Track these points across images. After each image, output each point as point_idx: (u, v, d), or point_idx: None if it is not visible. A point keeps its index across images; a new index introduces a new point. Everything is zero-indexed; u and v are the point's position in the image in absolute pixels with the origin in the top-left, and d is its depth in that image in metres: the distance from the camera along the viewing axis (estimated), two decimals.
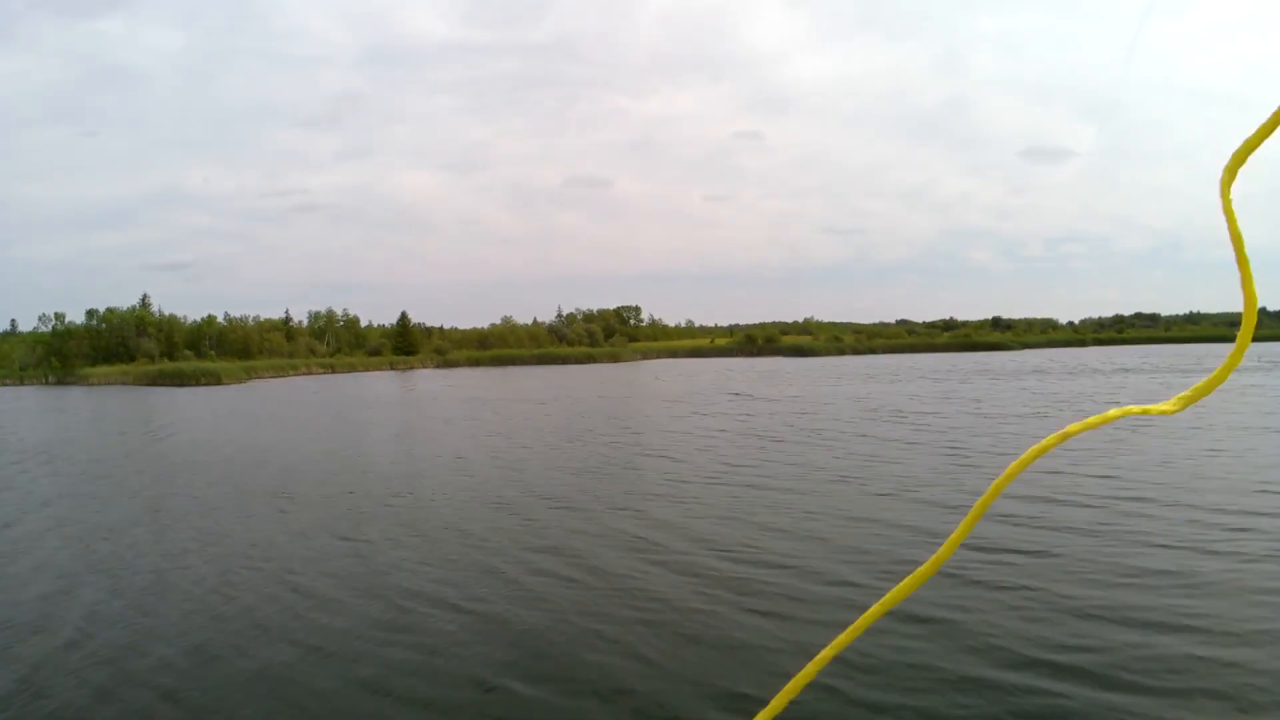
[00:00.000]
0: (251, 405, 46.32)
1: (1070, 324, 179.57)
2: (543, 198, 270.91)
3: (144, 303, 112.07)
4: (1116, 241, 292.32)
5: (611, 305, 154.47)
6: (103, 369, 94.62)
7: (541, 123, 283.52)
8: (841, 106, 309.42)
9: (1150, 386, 37.20)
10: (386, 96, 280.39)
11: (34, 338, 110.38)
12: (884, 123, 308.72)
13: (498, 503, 15.55)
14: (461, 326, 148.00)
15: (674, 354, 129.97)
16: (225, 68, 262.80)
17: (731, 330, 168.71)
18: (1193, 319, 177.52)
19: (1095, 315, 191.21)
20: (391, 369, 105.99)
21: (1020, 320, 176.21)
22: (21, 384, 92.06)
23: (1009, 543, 11.07)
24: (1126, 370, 53.84)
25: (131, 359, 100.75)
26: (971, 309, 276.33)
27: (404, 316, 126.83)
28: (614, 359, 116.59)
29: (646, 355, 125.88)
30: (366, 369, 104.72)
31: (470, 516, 14.69)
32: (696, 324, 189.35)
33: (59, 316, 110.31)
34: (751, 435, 25.14)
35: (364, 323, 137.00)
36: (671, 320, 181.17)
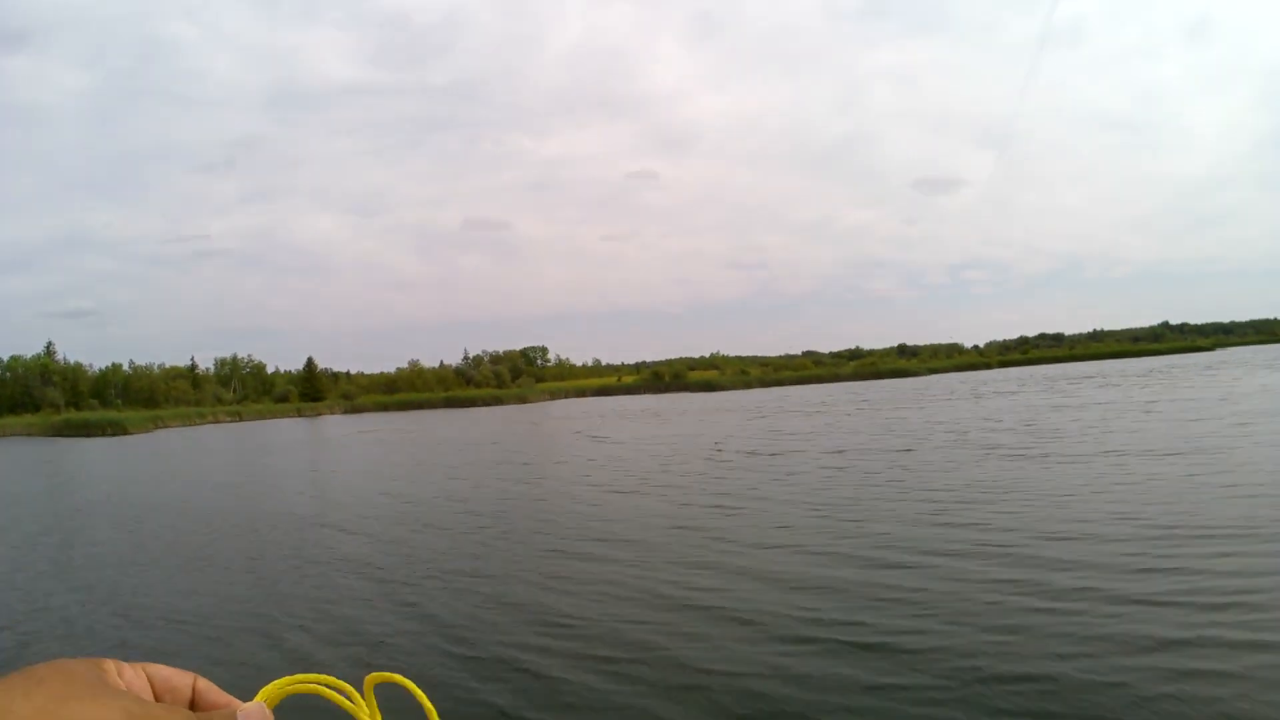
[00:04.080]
0: (173, 458, 45.42)
1: (975, 347, 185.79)
2: (445, 240, 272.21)
3: (49, 351, 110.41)
4: (1017, 265, 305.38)
5: (518, 346, 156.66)
6: (8, 420, 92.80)
7: (443, 165, 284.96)
8: (741, 143, 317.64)
9: (1013, 408, 32.05)
10: (289, 139, 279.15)
11: None
12: (783, 158, 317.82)
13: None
14: (368, 371, 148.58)
15: (581, 393, 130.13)
16: (130, 108, 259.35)
17: (639, 367, 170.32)
18: (1096, 336, 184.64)
19: (1000, 338, 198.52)
20: (299, 415, 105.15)
21: (925, 346, 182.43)
22: None
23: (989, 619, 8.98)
24: (1000, 393, 53.65)
25: (36, 409, 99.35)
26: (877, 338, 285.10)
27: (310, 362, 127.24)
28: (522, 400, 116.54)
29: (554, 395, 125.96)
30: (275, 416, 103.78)
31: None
32: (604, 362, 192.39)
33: None
34: (561, 482, 24.16)
35: (270, 369, 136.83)
36: (578, 359, 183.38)
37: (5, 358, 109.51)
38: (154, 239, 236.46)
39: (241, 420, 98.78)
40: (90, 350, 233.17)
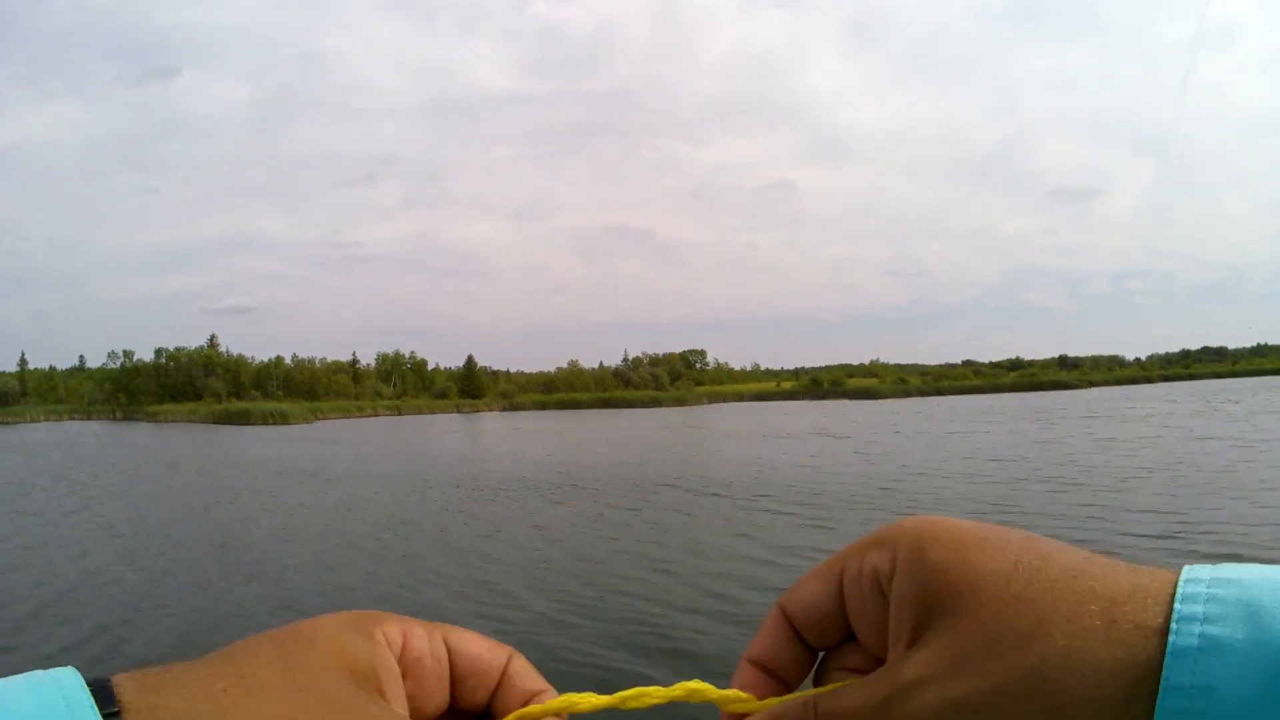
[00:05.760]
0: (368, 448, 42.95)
1: (1137, 360, 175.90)
2: (604, 245, 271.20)
3: (212, 343, 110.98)
4: (1179, 276, 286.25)
5: (676, 349, 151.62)
6: (170, 406, 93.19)
7: (602, 171, 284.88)
8: (898, 152, 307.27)
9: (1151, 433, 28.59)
10: (449, 147, 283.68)
11: (102, 374, 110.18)
12: (941, 166, 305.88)
13: None
14: (527, 370, 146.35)
15: (740, 397, 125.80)
16: (291, 119, 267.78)
17: (797, 373, 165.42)
18: (1260, 351, 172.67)
19: (1161, 351, 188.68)
20: (458, 411, 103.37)
21: (1086, 358, 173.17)
22: (89, 418, 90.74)
23: None
24: (1146, 414, 43.49)
25: (199, 398, 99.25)
26: (1036, 348, 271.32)
27: (470, 360, 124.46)
28: (679, 403, 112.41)
29: (712, 399, 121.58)
30: (433, 411, 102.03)
31: None
32: (762, 367, 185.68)
33: (127, 354, 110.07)
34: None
35: (430, 365, 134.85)
36: (736, 364, 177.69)
37: (169, 348, 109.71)
38: (314, 243, 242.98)
39: (401, 415, 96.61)
40: (249, 345, 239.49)
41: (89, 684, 0.39)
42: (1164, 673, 0.37)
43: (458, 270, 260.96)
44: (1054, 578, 0.43)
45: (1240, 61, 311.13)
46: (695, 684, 0.52)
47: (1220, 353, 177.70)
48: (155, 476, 26.36)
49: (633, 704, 0.51)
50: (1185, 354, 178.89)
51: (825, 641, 0.53)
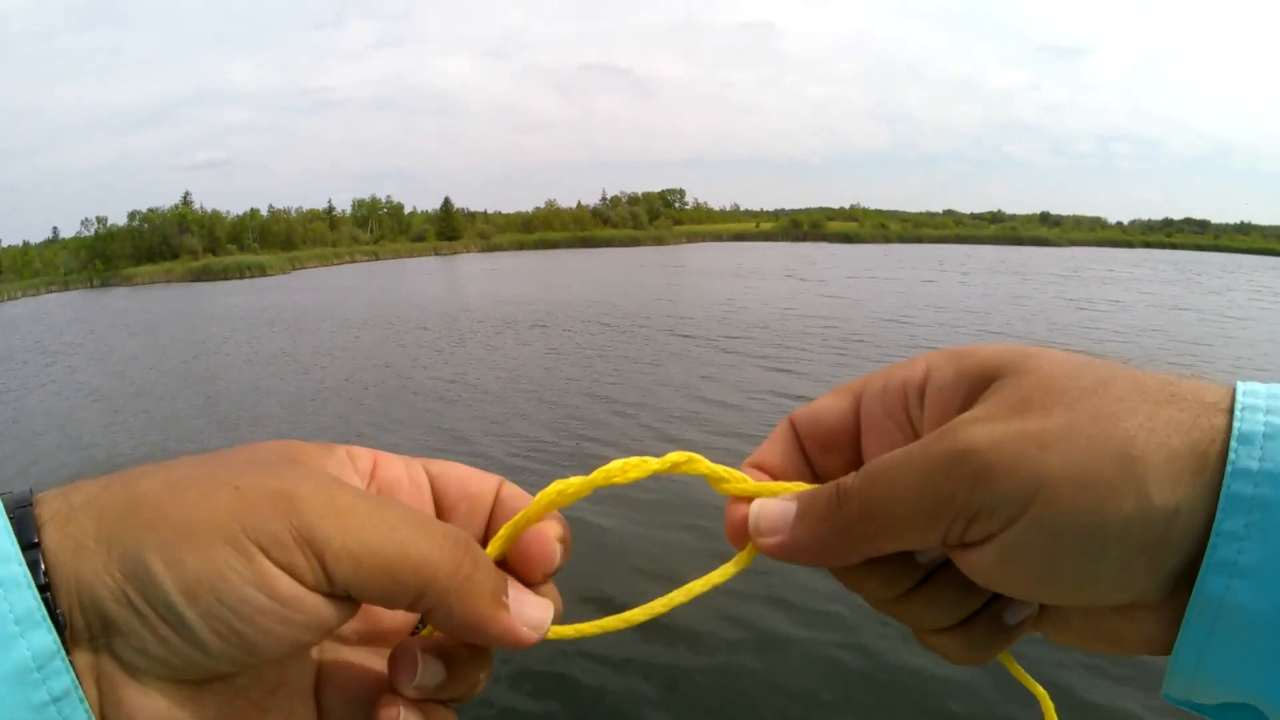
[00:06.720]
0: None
1: (1119, 224, 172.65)
2: (581, 82, 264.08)
3: (185, 200, 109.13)
4: (1165, 144, 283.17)
5: (655, 188, 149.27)
6: (146, 268, 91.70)
7: (578, 6, 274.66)
8: None
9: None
10: None
11: (77, 243, 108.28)
12: (929, 12, 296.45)
13: None
14: (505, 210, 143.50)
15: (719, 238, 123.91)
16: None
17: (777, 215, 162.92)
18: (1243, 229, 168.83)
19: (1143, 217, 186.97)
20: (436, 254, 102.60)
21: (1068, 216, 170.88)
22: (66, 289, 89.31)
23: None
24: (1125, 278, 39.78)
25: (175, 256, 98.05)
26: (1018, 203, 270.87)
27: (447, 202, 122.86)
28: (658, 242, 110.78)
29: (691, 238, 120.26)
30: (411, 255, 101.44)
31: None
32: (741, 208, 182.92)
33: (101, 220, 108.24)
34: None
35: (407, 209, 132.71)
36: (716, 204, 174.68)
37: (143, 210, 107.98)
38: (284, 90, 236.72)
39: (378, 259, 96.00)
40: (225, 200, 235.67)
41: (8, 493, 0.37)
42: (1230, 456, 0.36)
43: (432, 110, 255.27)
44: (1108, 362, 0.43)
45: None
46: (686, 454, 0.48)
47: (1203, 225, 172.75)
48: (134, 338, 26.05)
49: (618, 479, 0.48)
50: (1168, 222, 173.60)
51: (829, 461, 0.51)
